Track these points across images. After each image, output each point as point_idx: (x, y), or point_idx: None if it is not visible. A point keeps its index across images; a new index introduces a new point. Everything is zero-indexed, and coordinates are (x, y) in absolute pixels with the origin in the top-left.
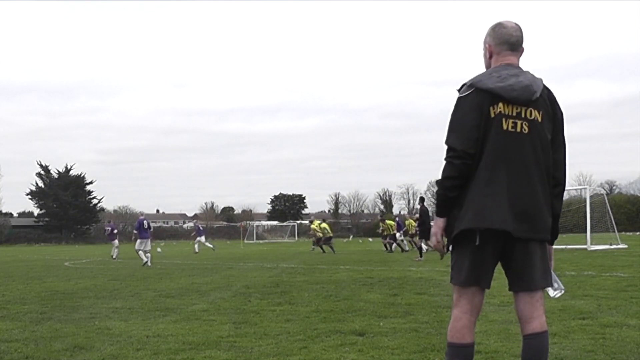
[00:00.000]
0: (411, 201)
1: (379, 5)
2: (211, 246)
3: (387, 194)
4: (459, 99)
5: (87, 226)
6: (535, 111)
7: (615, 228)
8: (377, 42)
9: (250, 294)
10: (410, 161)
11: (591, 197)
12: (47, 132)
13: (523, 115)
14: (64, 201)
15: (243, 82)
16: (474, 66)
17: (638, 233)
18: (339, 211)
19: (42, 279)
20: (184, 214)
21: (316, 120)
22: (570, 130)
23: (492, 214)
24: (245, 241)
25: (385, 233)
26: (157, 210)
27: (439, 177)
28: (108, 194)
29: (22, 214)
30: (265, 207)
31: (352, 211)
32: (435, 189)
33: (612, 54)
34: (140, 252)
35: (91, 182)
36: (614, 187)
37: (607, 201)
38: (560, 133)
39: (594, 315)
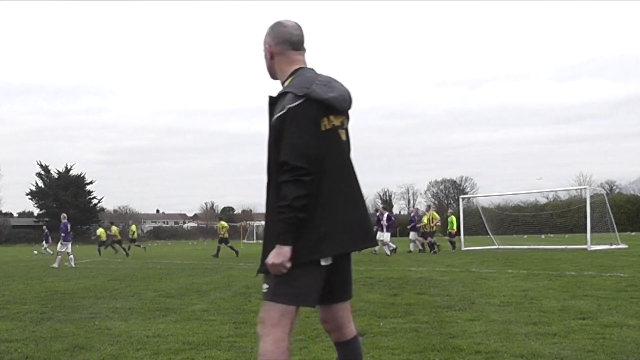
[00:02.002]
0: (411, 201)
1: (381, 5)
2: None
3: (387, 193)
4: (290, 109)
5: (87, 226)
6: (344, 117)
7: (615, 228)
8: (379, 43)
9: (250, 294)
10: (410, 161)
11: (591, 197)
12: (49, 132)
13: (342, 124)
14: (64, 201)
15: (245, 82)
16: (475, 66)
17: (637, 233)
18: None
19: (42, 279)
20: (184, 214)
21: None
22: (571, 130)
23: (357, 236)
24: (245, 241)
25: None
26: (157, 210)
27: (283, 200)
28: (108, 194)
29: (22, 214)
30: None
31: None
32: (434, 189)
33: (614, 55)
34: (68, 254)
35: (91, 182)
36: (614, 187)
37: (607, 201)
38: None
39: (594, 315)
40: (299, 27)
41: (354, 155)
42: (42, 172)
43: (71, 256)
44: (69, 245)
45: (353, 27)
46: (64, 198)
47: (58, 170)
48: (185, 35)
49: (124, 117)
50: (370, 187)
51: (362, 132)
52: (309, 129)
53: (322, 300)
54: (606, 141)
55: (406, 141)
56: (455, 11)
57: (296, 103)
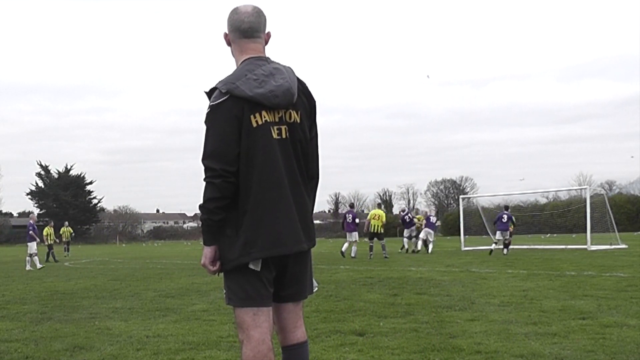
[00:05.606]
0: (411, 201)
1: (384, 5)
2: None
3: (387, 193)
4: (212, 108)
5: (87, 226)
6: (294, 112)
7: (615, 228)
8: (382, 43)
9: None
10: (412, 161)
11: (591, 197)
12: (51, 132)
13: (284, 120)
14: (64, 201)
15: None
16: (479, 67)
17: (637, 233)
18: (339, 211)
19: (42, 279)
20: (184, 214)
21: (321, 120)
22: (573, 130)
23: (285, 238)
24: None
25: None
26: (157, 210)
27: (201, 201)
28: (108, 194)
29: (22, 214)
30: None
31: None
32: (434, 189)
33: (617, 55)
34: (35, 257)
35: (91, 182)
36: (614, 187)
37: (607, 201)
38: (314, 126)
39: (594, 315)
40: (253, 13)
41: (357, 155)
42: (42, 172)
43: (35, 257)
44: (29, 245)
45: (356, 27)
46: (64, 198)
47: (58, 170)
48: (188, 35)
49: (126, 117)
50: (370, 186)
51: (366, 132)
52: (227, 128)
53: (273, 296)
54: (607, 141)
55: (409, 141)
56: (459, 11)
57: (218, 101)
